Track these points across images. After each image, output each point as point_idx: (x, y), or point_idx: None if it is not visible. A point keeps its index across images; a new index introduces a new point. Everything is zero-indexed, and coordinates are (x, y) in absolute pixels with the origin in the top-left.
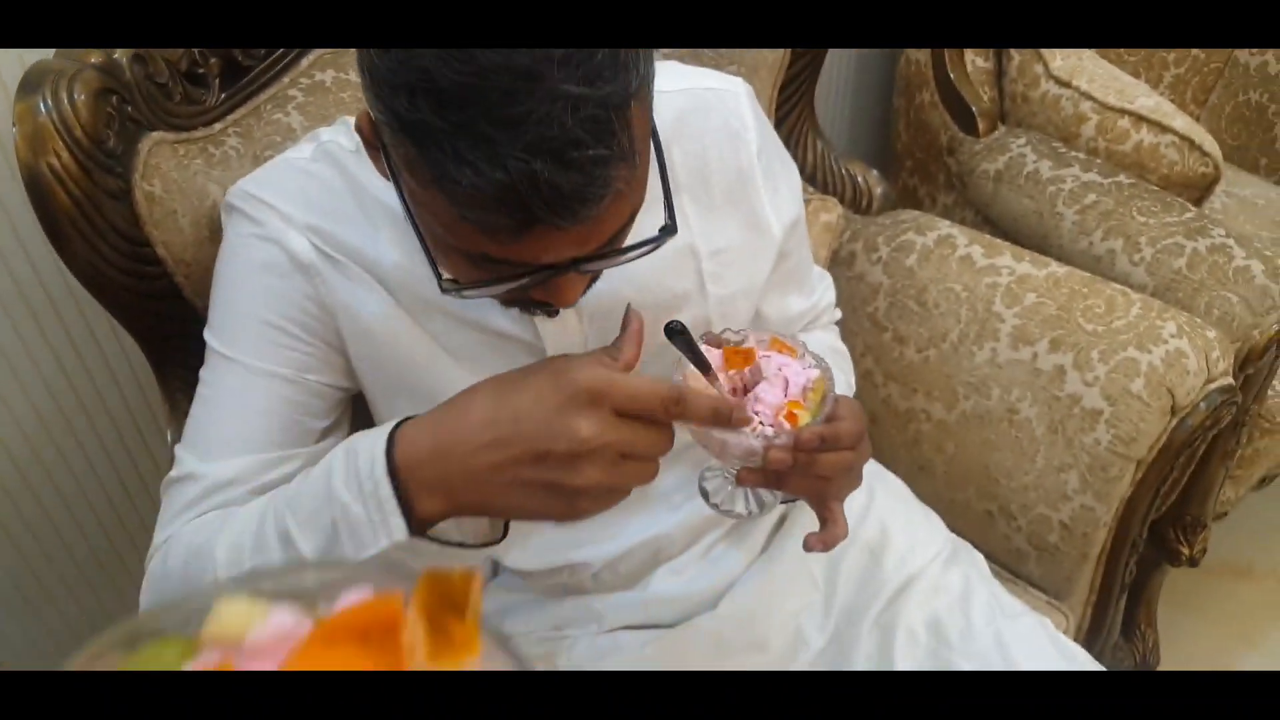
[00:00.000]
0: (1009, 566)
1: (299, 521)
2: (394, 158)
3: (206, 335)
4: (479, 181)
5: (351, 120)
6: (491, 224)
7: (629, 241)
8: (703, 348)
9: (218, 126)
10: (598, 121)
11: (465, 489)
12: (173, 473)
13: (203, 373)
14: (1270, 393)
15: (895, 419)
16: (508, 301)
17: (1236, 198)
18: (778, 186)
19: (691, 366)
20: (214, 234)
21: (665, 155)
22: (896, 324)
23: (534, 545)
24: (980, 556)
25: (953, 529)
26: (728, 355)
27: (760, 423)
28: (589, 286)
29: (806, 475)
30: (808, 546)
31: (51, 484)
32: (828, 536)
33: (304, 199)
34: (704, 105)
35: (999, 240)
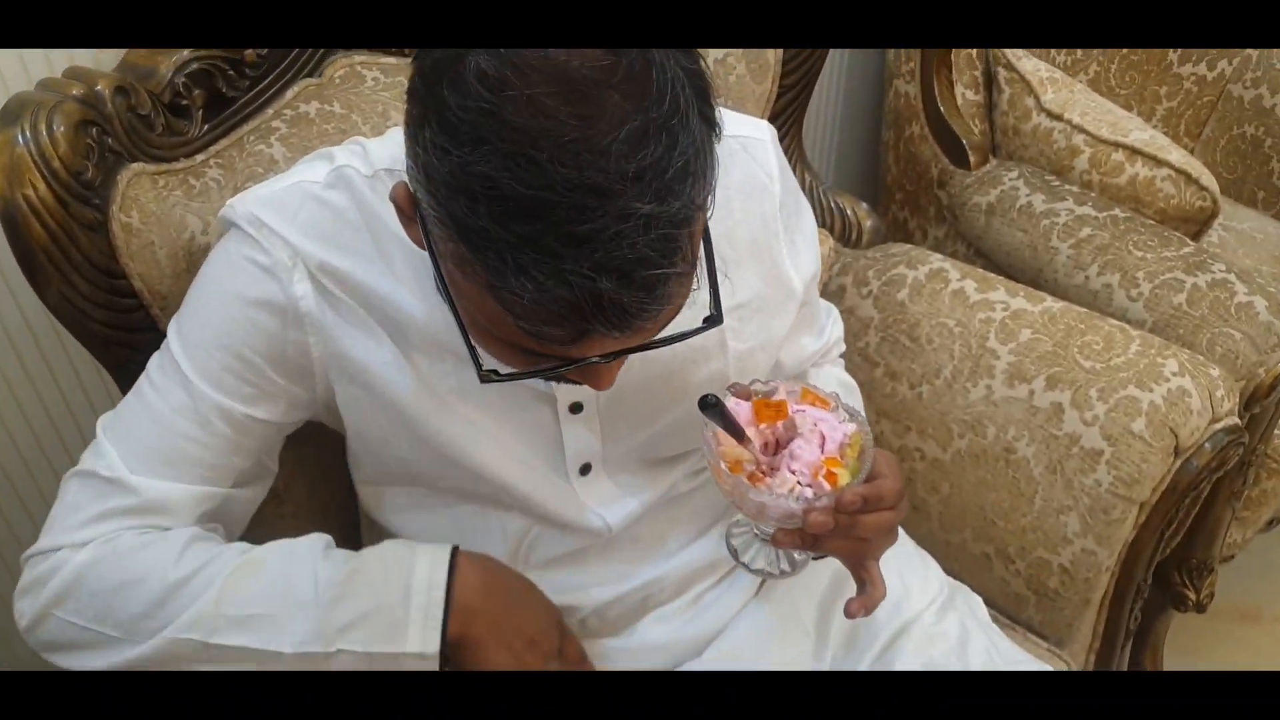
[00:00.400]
0: (1008, 612)
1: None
2: (440, 249)
3: (170, 331)
4: (540, 296)
5: (364, 143)
6: (544, 334)
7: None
8: (731, 401)
9: (199, 158)
10: (667, 240)
11: (483, 636)
12: (96, 465)
13: (153, 365)
14: (1277, 432)
15: None
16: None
17: (1234, 231)
18: (796, 239)
19: (720, 429)
20: (191, 267)
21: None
22: (888, 359)
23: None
24: (979, 601)
25: (949, 572)
26: (758, 409)
27: (799, 483)
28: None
29: (846, 537)
30: (849, 613)
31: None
32: (868, 600)
33: (317, 231)
34: (731, 155)
35: (992, 275)
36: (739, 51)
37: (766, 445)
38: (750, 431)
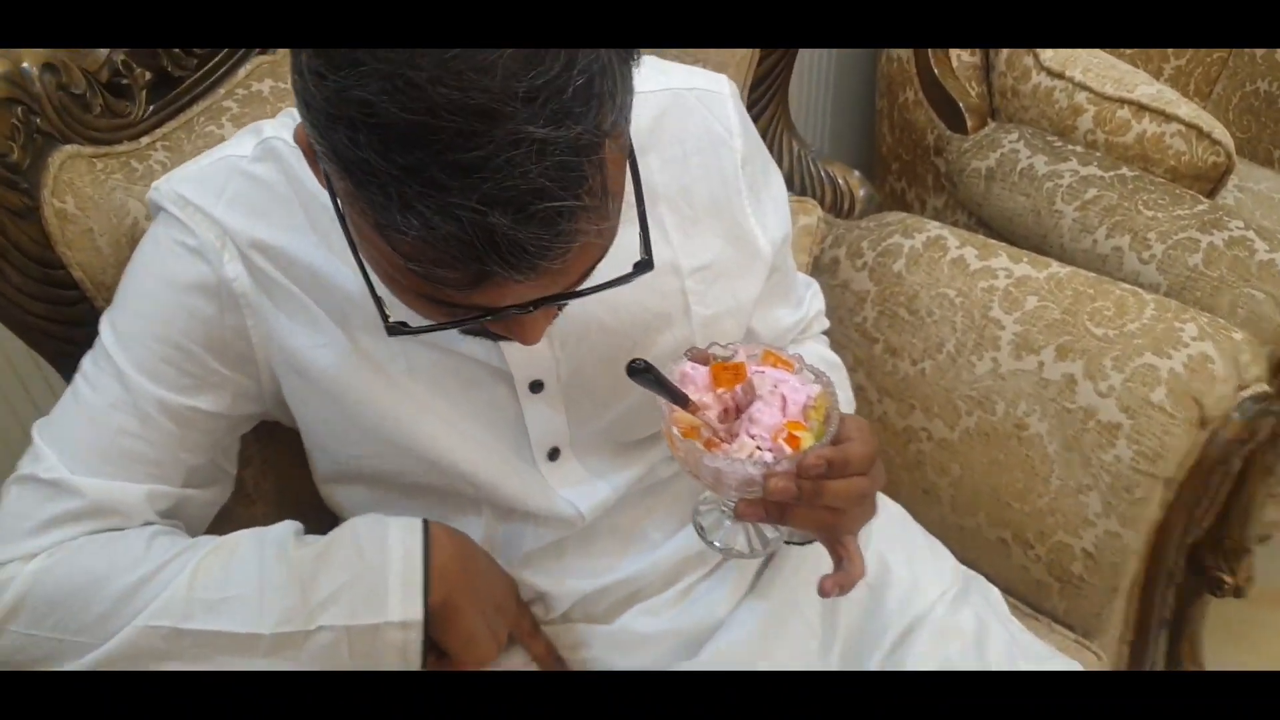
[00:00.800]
0: (1030, 601)
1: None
2: (335, 187)
3: (102, 325)
4: (427, 234)
5: (295, 114)
6: (439, 276)
7: (601, 276)
8: (688, 366)
9: (144, 140)
10: (566, 168)
11: (460, 602)
12: (35, 468)
13: (86, 363)
14: None
15: (893, 439)
16: (466, 333)
17: (1250, 192)
18: (762, 198)
19: (689, 390)
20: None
21: (641, 165)
22: (887, 334)
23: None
24: (996, 591)
25: (964, 560)
26: (715, 373)
27: (758, 447)
28: (555, 317)
29: (813, 506)
30: (823, 591)
31: None
32: (843, 578)
33: (247, 208)
34: (685, 107)
35: (994, 241)
36: None
37: (726, 411)
38: (708, 397)
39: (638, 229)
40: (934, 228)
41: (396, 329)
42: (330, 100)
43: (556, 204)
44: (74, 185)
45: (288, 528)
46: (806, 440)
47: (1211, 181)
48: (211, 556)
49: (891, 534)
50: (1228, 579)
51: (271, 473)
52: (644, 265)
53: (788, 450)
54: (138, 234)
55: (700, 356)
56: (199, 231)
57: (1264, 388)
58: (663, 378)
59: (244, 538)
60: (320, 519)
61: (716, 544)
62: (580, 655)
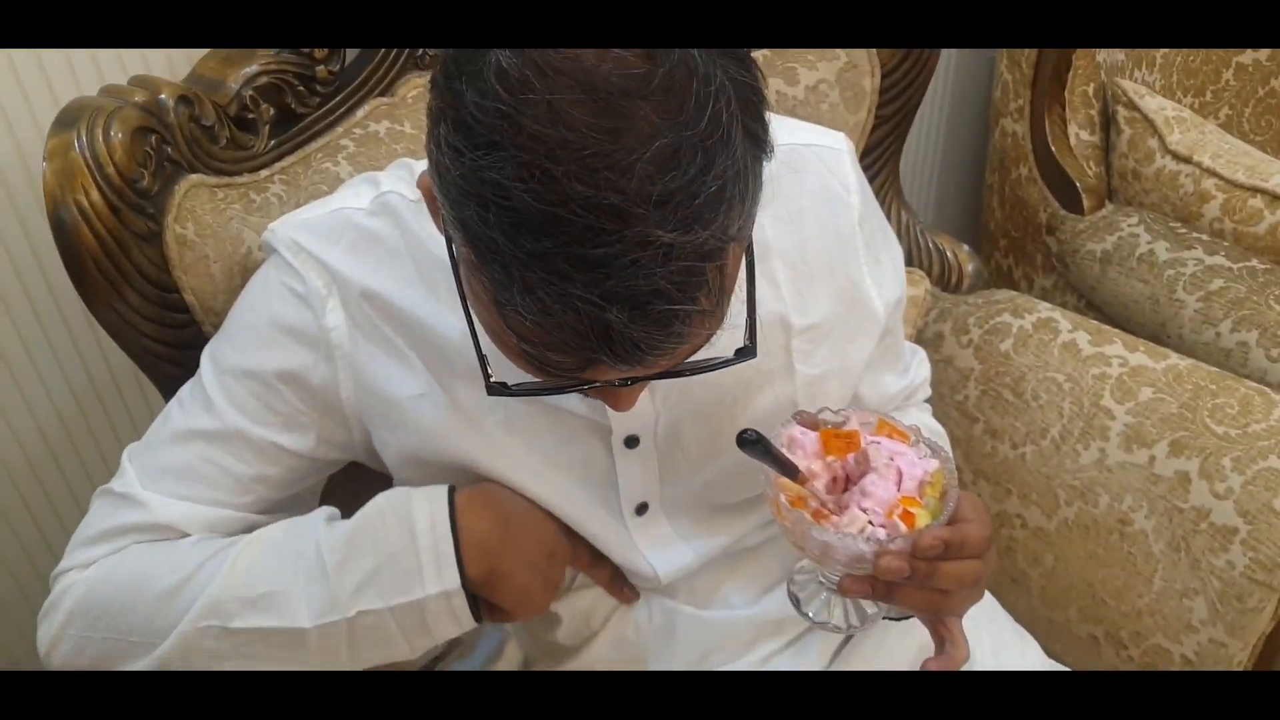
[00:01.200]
0: None
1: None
2: (457, 251)
3: (204, 355)
4: (543, 319)
5: (411, 165)
6: (548, 359)
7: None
8: (797, 431)
9: (264, 173)
10: (689, 273)
11: (502, 561)
12: (114, 483)
13: (185, 390)
14: None
15: None
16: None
17: None
18: (880, 259)
19: (792, 455)
20: (246, 282)
21: (755, 225)
22: (989, 415)
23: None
24: None
25: (1050, 653)
26: (826, 439)
27: (870, 522)
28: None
29: (924, 587)
30: (924, 668)
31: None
32: (947, 660)
33: (358, 258)
34: (802, 164)
35: (1108, 327)
36: (832, 78)
37: (835, 481)
38: (817, 465)
39: (744, 319)
40: (1045, 309)
41: (496, 389)
42: (465, 177)
43: (675, 307)
44: (195, 213)
45: (320, 514)
46: (922, 518)
47: None
48: (247, 552)
49: (979, 622)
50: None
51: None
52: (746, 352)
53: (902, 528)
54: (250, 263)
55: (809, 421)
56: (308, 278)
57: None
58: (774, 449)
59: (276, 529)
60: None
61: (811, 615)
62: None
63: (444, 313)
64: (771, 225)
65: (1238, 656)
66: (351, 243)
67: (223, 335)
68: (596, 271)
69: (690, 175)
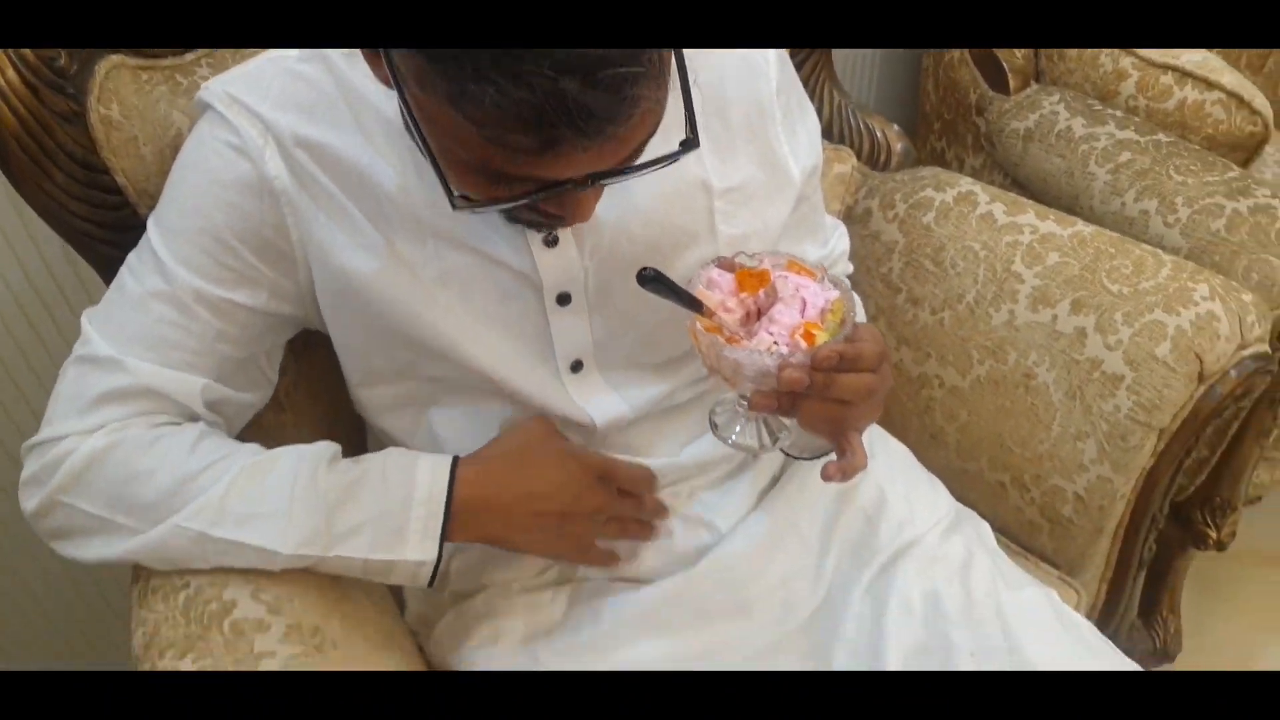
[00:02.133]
0: (1020, 540)
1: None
2: (403, 74)
3: (149, 223)
4: (501, 100)
5: None
6: (512, 143)
7: (647, 158)
8: (715, 272)
9: (189, 56)
10: None
11: (501, 533)
12: (85, 350)
13: (132, 257)
14: None
15: (907, 385)
16: (514, 217)
17: None
18: (795, 129)
19: (710, 292)
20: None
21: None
22: (911, 285)
23: None
24: (986, 526)
25: (963, 501)
26: (741, 279)
27: (775, 342)
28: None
29: (824, 399)
30: (826, 476)
31: None
32: (846, 465)
33: (293, 105)
34: None
35: (1024, 199)
36: None
37: (749, 315)
38: (732, 301)
39: (683, 122)
40: (966, 183)
41: (462, 204)
42: None
43: (622, 69)
44: (120, 94)
45: (325, 450)
46: (822, 339)
47: (1248, 151)
48: (250, 470)
49: (893, 470)
50: (1212, 533)
51: (304, 384)
52: (689, 143)
53: (804, 346)
54: (180, 145)
55: (727, 264)
56: (243, 129)
57: (1264, 348)
58: (673, 284)
59: (282, 456)
60: (352, 429)
61: (730, 440)
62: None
63: (379, 161)
64: (696, 94)
65: (1121, 490)
66: (283, 89)
67: (166, 200)
68: (543, 46)
69: None
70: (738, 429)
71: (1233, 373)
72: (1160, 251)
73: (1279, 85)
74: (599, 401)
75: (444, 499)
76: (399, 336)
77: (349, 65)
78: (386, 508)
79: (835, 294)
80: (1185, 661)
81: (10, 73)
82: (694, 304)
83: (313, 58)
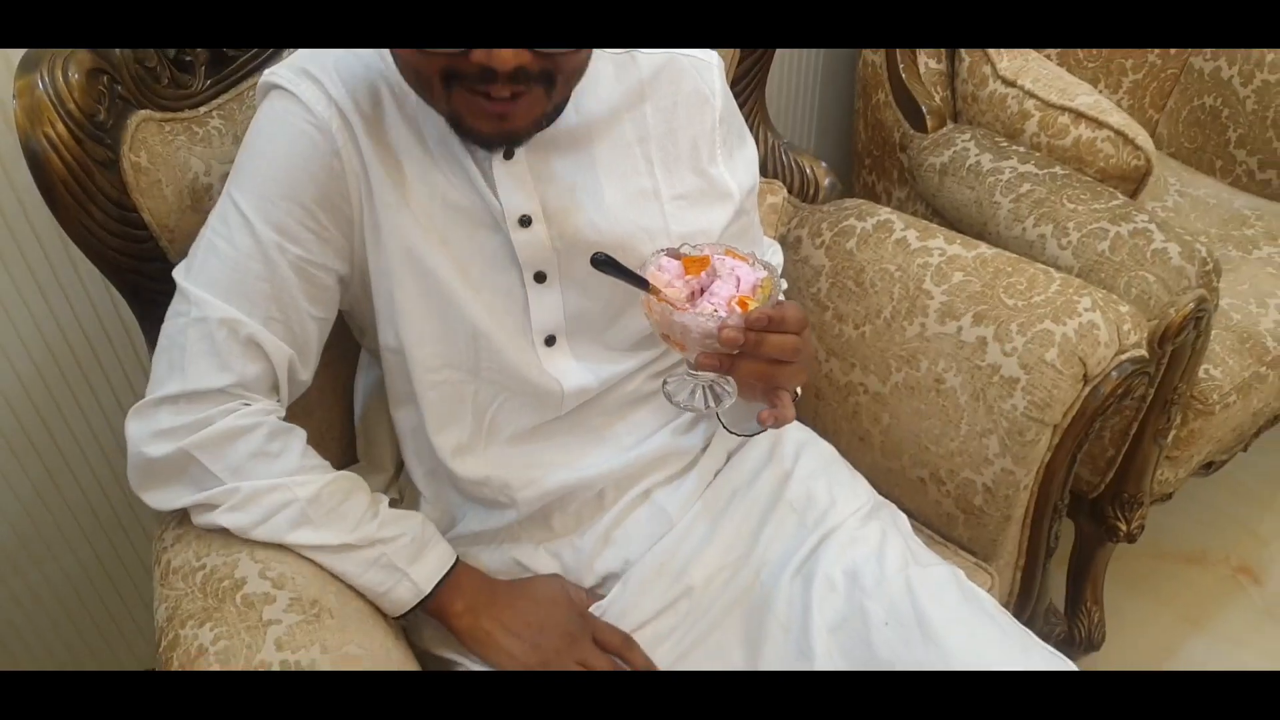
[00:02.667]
0: (941, 530)
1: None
2: None
3: (229, 190)
4: None
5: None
6: None
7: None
8: (664, 259)
9: (202, 109)
10: None
11: (485, 616)
12: (200, 311)
13: (216, 221)
14: (1202, 375)
15: (836, 393)
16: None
17: (1190, 197)
18: (734, 154)
19: (660, 274)
20: (195, 203)
21: (640, 111)
22: (837, 303)
23: (490, 457)
24: (903, 516)
25: (890, 496)
26: (687, 264)
27: (715, 310)
28: (526, 58)
29: (757, 358)
30: (760, 420)
31: (51, 437)
32: (778, 414)
33: (348, 79)
34: (680, 69)
35: (934, 225)
36: None
37: (694, 293)
38: (679, 282)
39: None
40: (884, 213)
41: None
42: None
43: None
44: (147, 143)
45: (380, 504)
46: (753, 307)
47: (1134, 182)
48: (338, 482)
49: (818, 468)
50: (1122, 526)
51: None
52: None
53: (739, 312)
54: (197, 186)
55: (674, 253)
56: (313, 105)
57: (1141, 353)
58: (621, 265)
59: (360, 486)
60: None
61: (681, 402)
62: (550, 549)
63: (409, 137)
64: (652, 114)
65: (1023, 480)
66: (340, 59)
67: (248, 171)
68: None
69: None
70: (686, 393)
71: (1113, 374)
72: (1051, 270)
73: (1178, 123)
74: (568, 370)
75: (451, 561)
76: (419, 286)
77: (385, 63)
78: (420, 535)
79: (764, 273)
80: (1109, 651)
81: (60, 126)
82: (640, 282)
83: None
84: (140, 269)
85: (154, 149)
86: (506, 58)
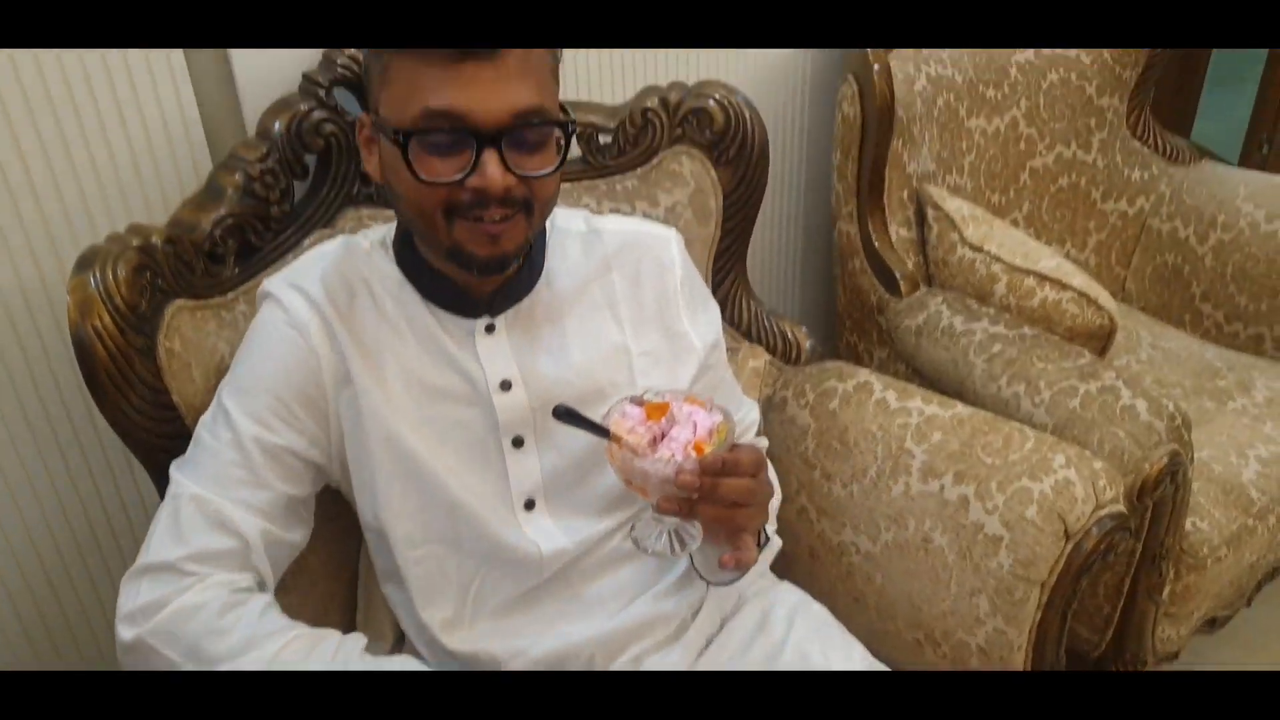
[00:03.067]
0: None
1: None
2: (372, 94)
3: (221, 389)
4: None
5: (372, 228)
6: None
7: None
8: (628, 405)
9: (230, 295)
10: None
11: None
12: (176, 490)
13: (207, 418)
14: (1189, 529)
15: (830, 553)
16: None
17: (1163, 350)
18: (697, 314)
19: (623, 420)
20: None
21: (608, 280)
22: (824, 462)
23: (478, 631)
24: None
25: (888, 661)
26: (649, 410)
27: (673, 454)
28: (512, 181)
29: (714, 500)
30: (722, 563)
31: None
32: (739, 556)
33: (326, 281)
34: (641, 244)
35: (912, 386)
36: (685, 200)
37: (655, 438)
38: (641, 428)
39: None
40: (864, 374)
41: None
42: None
43: None
44: (180, 330)
45: (358, 641)
46: (709, 450)
47: (1101, 340)
48: (300, 640)
49: (811, 631)
50: None
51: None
52: (567, 126)
53: (694, 455)
54: (222, 368)
55: (638, 401)
56: (294, 310)
57: (1119, 509)
58: (581, 416)
59: (326, 635)
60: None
61: (647, 548)
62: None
63: (384, 325)
64: (619, 282)
65: (1017, 642)
66: (322, 270)
67: (237, 372)
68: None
69: None
70: (653, 538)
71: (1094, 530)
72: (1026, 427)
73: (1144, 279)
74: (547, 533)
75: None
76: (395, 460)
77: (368, 258)
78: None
79: (720, 418)
80: None
81: (106, 317)
82: (600, 430)
83: (343, 246)
84: (166, 447)
85: (186, 335)
86: (496, 179)
